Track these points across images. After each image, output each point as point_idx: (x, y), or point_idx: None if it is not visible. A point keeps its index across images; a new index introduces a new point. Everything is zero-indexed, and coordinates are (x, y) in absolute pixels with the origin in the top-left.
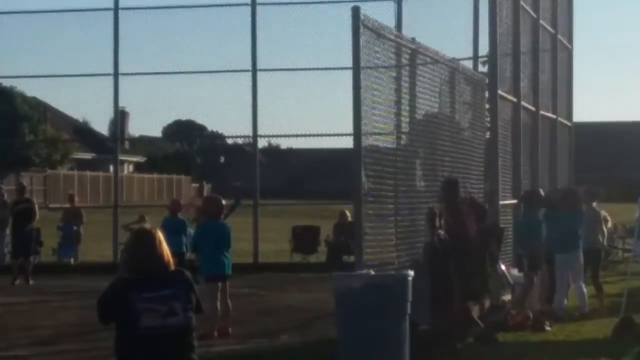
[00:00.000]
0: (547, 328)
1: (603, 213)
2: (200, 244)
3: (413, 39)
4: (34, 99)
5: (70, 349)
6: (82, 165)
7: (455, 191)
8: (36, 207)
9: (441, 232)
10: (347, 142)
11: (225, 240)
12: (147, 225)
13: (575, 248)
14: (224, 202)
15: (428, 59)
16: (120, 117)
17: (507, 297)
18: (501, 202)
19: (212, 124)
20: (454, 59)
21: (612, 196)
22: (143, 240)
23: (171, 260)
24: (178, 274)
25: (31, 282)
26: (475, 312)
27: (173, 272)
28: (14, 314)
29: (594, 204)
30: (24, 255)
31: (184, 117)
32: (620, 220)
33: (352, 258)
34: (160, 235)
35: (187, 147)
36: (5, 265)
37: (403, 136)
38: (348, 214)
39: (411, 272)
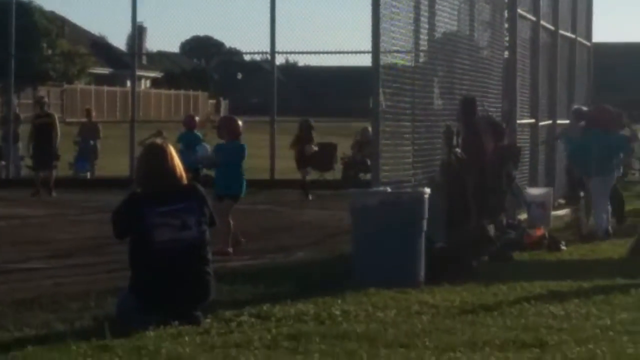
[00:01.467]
0: (563, 247)
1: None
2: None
3: None
4: (52, 13)
5: (86, 262)
6: (100, 80)
7: (473, 110)
8: (56, 122)
9: (458, 150)
10: (365, 60)
11: (241, 158)
12: (159, 140)
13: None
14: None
15: None
16: (138, 32)
17: (523, 215)
18: (519, 122)
19: (230, 41)
20: None
21: (634, 117)
22: (154, 155)
23: (184, 174)
24: (191, 188)
25: (54, 194)
26: (491, 230)
27: (186, 186)
28: (31, 226)
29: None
30: (46, 168)
31: (201, 34)
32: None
33: (368, 176)
34: (172, 149)
35: (204, 63)
36: (21, 178)
37: (421, 54)
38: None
39: (427, 190)
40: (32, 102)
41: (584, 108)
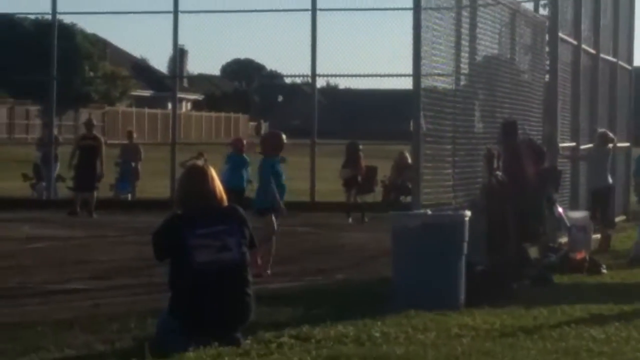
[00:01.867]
0: (604, 271)
1: None
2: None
3: None
4: (94, 35)
5: (127, 283)
6: (141, 102)
7: (514, 133)
8: (103, 146)
9: (499, 173)
10: (406, 83)
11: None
12: (200, 162)
13: None
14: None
15: (489, 0)
16: (179, 55)
17: (564, 239)
18: (560, 145)
19: (271, 63)
20: (515, 0)
21: None
22: (194, 176)
23: (224, 196)
24: (232, 210)
25: (94, 215)
26: (531, 253)
27: (227, 207)
28: (72, 247)
29: (610, 146)
30: (88, 190)
31: (242, 56)
32: None
33: (409, 199)
34: (212, 171)
35: (245, 85)
36: (59, 199)
37: (462, 77)
38: (407, 155)
39: (468, 213)
40: (79, 124)
41: (610, 133)
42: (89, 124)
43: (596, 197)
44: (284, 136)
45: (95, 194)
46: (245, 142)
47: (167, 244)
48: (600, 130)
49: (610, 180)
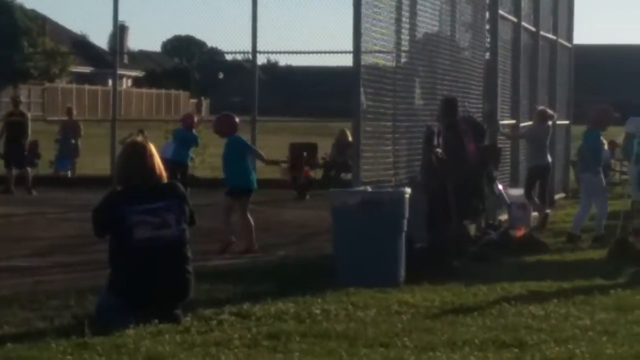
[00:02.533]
0: (543, 248)
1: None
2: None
3: None
4: (33, 11)
5: (66, 260)
6: (81, 79)
7: (454, 110)
8: (29, 121)
9: (439, 150)
10: (346, 60)
11: (244, 151)
12: (139, 138)
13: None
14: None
15: None
16: (119, 31)
17: (504, 216)
18: (500, 122)
19: (212, 40)
20: None
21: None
22: (134, 153)
23: (164, 173)
24: (171, 186)
25: (34, 192)
26: (471, 230)
27: (166, 184)
28: (12, 225)
29: (549, 123)
30: (18, 167)
31: (183, 33)
32: (619, 142)
33: (349, 176)
34: (151, 147)
35: (186, 62)
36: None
37: (403, 54)
38: (348, 132)
39: (408, 190)
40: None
41: (549, 110)
42: (15, 100)
43: (533, 175)
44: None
45: (29, 170)
46: (196, 119)
47: (107, 221)
48: (540, 107)
49: (549, 158)
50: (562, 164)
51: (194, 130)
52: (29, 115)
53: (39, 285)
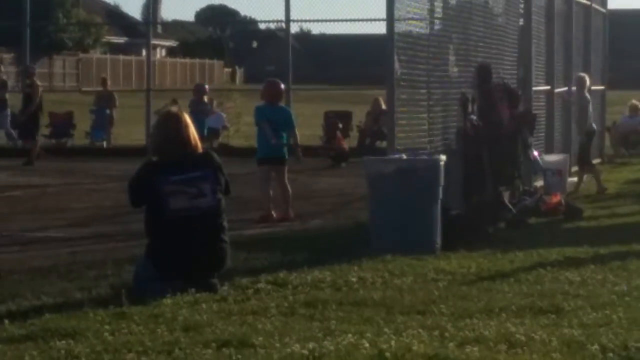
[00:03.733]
0: (580, 213)
1: (634, 102)
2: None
3: None
4: None
5: (104, 231)
6: (115, 49)
7: (488, 77)
8: (38, 90)
9: (474, 117)
10: (380, 28)
11: (283, 124)
12: (174, 108)
13: None
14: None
15: None
16: (152, 1)
17: (539, 183)
18: (534, 89)
19: (245, 9)
20: None
21: None
22: (169, 123)
23: (199, 142)
24: (206, 156)
25: (35, 164)
26: (507, 197)
27: (201, 154)
28: (48, 195)
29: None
30: (24, 138)
31: (216, 2)
32: None
33: (384, 144)
34: (186, 118)
35: (219, 32)
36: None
37: (436, 21)
38: (382, 101)
39: (443, 157)
40: (53, 71)
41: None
42: (25, 71)
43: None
44: (282, 85)
45: (35, 142)
46: (207, 87)
47: (143, 191)
48: (580, 74)
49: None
50: (598, 130)
51: (205, 99)
52: (39, 84)
53: (76, 255)
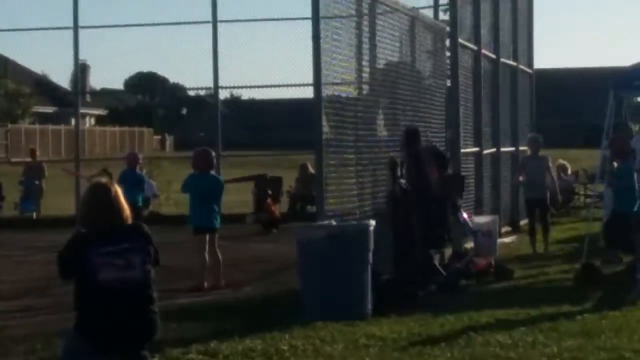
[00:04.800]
0: (510, 276)
1: (561, 161)
2: (190, 195)
3: None
4: None
5: (32, 303)
6: (44, 119)
7: (416, 140)
8: None
9: (403, 181)
10: (308, 92)
11: (216, 193)
12: (104, 179)
13: None
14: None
15: (388, 8)
16: (81, 70)
17: (470, 244)
18: (463, 150)
19: (174, 76)
20: (413, 7)
21: (574, 143)
22: (98, 194)
23: (129, 214)
24: (136, 228)
25: None
26: (437, 260)
27: (131, 225)
28: None
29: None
30: None
31: (145, 69)
32: (582, 166)
33: (315, 208)
34: (117, 188)
35: (149, 99)
36: None
37: (364, 86)
38: (309, 166)
39: (373, 222)
40: None
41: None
42: None
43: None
44: (211, 153)
45: None
46: (140, 156)
47: (71, 263)
48: (532, 134)
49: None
50: None
51: (138, 170)
52: None
53: (5, 330)
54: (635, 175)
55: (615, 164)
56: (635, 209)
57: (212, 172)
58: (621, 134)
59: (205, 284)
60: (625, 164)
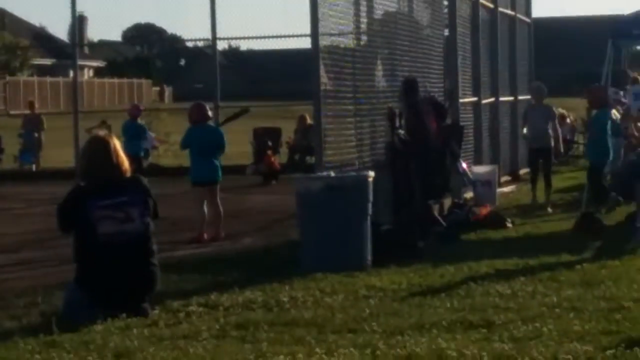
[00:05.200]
0: (509, 225)
1: (560, 110)
2: (189, 148)
3: None
4: None
5: (32, 256)
6: (42, 71)
7: (414, 90)
8: None
9: (401, 131)
10: (307, 43)
11: (215, 145)
12: (102, 133)
13: None
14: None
15: None
16: (78, 22)
17: (469, 194)
18: (461, 100)
19: (172, 28)
20: None
21: (572, 91)
22: (97, 148)
23: (128, 167)
24: (134, 181)
25: None
26: (436, 210)
27: (129, 178)
28: None
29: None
30: None
31: (143, 21)
32: (581, 115)
33: (314, 159)
34: (115, 142)
35: (147, 50)
36: None
37: (362, 36)
38: (307, 116)
39: (372, 173)
40: None
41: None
42: None
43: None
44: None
45: None
46: (141, 108)
47: (71, 216)
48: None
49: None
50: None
51: (139, 120)
52: None
53: (5, 283)
54: (610, 124)
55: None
56: (606, 158)
57: (210, 123)
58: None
59: (205, 236)
60: (598, 114)
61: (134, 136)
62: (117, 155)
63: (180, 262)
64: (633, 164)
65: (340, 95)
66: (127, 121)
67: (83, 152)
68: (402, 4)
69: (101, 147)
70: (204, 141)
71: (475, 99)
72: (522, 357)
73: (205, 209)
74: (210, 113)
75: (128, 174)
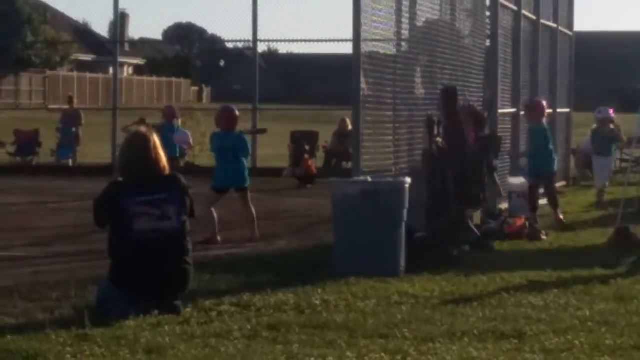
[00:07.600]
0: (543, 237)
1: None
2: (214, 153)
3: None
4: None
5: (67, 250)
6: (82, 67)
7: (454, 99)
8: None
9: (439, 139)
10: (347, 48)
11: (238, 151)
12: (143, 129)
13: None
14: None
15: None
16: (120, 19)
17: (504, 205)
18: (500, 111)
19: (213, 28)
20: None
21: (612, 107)
22: (137, 144)
23: (167, 164)
24: (173, 178)
25: None
26: (471, 220)
27: (168, 176)
28: (12, 214)
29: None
30: None
31: (184, 20)
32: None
33: (350, 165)
34: (155, 138)
35: (187, 50)
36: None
37: (403, 43)
38: (348, 121)
39: (408, 179)
40: (19, 89)
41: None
42: None
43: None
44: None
45: None
46: (176, 108)
47: (107, 211)
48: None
49: None
50: (563, 152)
51: (175, 122)
52: None
53: (39, 275)
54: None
55: None
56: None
57: (235, 131)
58: None
59: (219, 238)
60: (536, 126)
61: (169, 139)
62: (157, 152)
63: (214, 261)
64: None
65: (379, 101)
66: (162, 122)
67: (123, 147)
68: (445, 13)
69: (141, 143)
70: (227, 147)
71: (514, 110)
72: None
73: (215, 212)
74: (237, 117)
75: (166, 172)
